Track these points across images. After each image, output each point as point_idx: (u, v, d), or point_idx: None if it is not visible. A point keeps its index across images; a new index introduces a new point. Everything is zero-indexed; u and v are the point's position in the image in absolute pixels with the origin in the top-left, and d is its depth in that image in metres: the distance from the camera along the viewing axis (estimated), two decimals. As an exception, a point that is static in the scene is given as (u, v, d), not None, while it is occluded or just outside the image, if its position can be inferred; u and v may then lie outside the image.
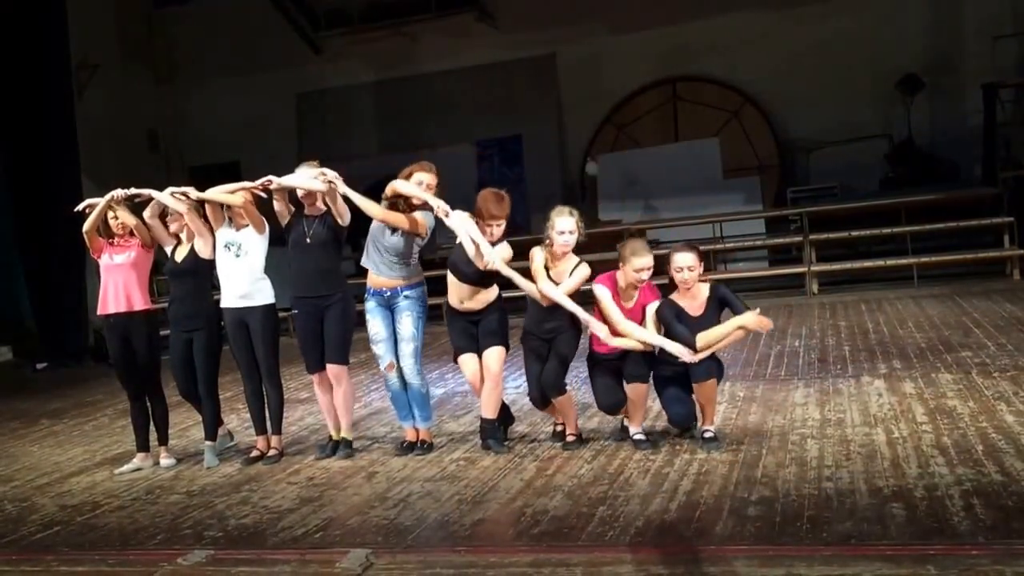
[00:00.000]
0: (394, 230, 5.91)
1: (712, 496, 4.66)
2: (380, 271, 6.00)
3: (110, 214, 6.32)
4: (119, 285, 6.27)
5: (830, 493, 4.51)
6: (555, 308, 5.67)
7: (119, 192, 6.27)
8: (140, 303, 6.30)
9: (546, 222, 5.72)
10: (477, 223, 5.74)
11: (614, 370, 5.71)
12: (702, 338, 5.39)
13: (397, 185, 5.91)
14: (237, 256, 6.12)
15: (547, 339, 5.78)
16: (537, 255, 5.72)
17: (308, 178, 5.95)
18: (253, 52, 17.43)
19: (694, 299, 5.55)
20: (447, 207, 5.74)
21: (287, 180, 6.00)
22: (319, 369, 6.14)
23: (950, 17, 15.14)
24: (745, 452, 5.35)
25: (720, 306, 5.57)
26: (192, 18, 17.80)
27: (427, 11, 16.71)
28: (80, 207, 6.33)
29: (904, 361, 7.56)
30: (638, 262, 5.50)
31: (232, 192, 6.10)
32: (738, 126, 16.06)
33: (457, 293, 5.91)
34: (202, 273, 6.30)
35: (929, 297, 11.03)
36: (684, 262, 5.50)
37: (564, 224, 5.64)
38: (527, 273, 5.75)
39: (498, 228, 5.76)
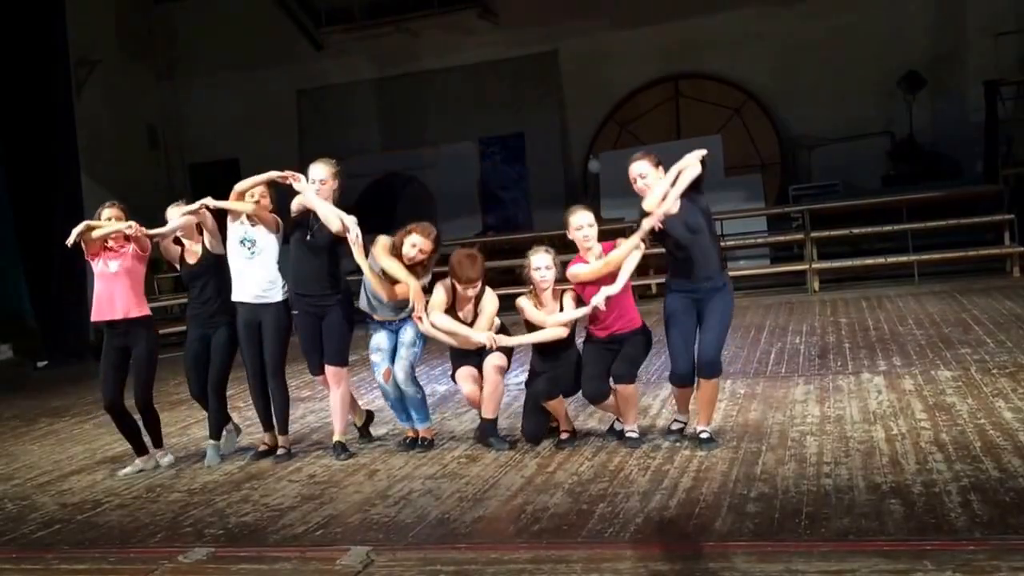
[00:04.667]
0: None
1: (711, 493, 4.67)
2: (385, 313, 6.07)
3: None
4: (114, 293, 6.14)
5: (829, 489, 4.53)
6: (559, 352, 5.77)
7: (138, 228, 6.07)
8: (137, 310, 6.19)
9: (525, 263, 5.82)
10: (453, 285, 5.85)
11: (606, 358, 5.66)
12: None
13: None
14: (251, 254, 6.09)
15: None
16: (526, 304, 5.81)
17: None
18: (254, 48, 17.44)
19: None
20: (422, 314, 5.80)
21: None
22: (323, 372, 6.16)
23: (952, 14, 15.14)
24: (745, 449, 5.36)
25: None
26: (192, 14, 17.81)
27: (429, 7, 16.71)
28: (73, 238, 6.02)
29: (904, 358, 7.56)
30: (575, 220, 5.61)
31: (247, 189, 6.07)
32: (740, 123, 16.07)
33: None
34: (219, 270, 6.24)
35: (929, 294, 11.04)
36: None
37: (539, 260, 5.72)
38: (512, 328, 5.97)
39: (473, 290, 5.83)
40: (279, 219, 6.12)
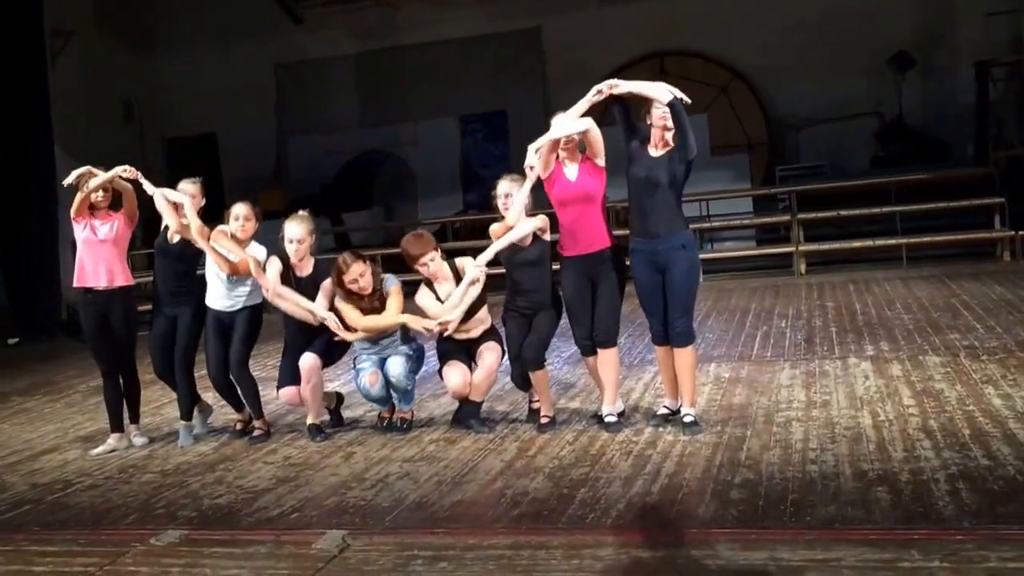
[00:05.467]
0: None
1: (695, 479, 4.60)
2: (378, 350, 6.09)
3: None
4: (99, 260, 6.11)
5: (814, 476, 4.46)
6: (533, 285, 5.70)
7: (133, 170, 6.11)
8: (121, 279, 6.17)
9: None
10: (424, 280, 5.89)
11: (585, 294, 5.57)
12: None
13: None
14: (227, 280, 6.03)
15: (527, 315, 5.72)
16: (496, 228, 5.83)
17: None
18: (232, 21, 17.09)
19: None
20: (436, 325, 5.77)
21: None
22: (291, 384, 6.05)
23: (942, -7, 15.03)
24: (729, 434, 5.29)
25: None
26: (170, -15, 17.47)
27: (410, -20, 16.47)
28: (71, 179, 6.11)
29: (891, 343, 7.50)
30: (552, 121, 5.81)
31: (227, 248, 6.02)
32: (727, 103, 15.92)
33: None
34: (191, 258, 6.22)
35: (918, 278, 10.99)
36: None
37: (504, 188, 5.85)
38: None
39: (432, 263, 5.79)
40: (257, 260, 5.98)
